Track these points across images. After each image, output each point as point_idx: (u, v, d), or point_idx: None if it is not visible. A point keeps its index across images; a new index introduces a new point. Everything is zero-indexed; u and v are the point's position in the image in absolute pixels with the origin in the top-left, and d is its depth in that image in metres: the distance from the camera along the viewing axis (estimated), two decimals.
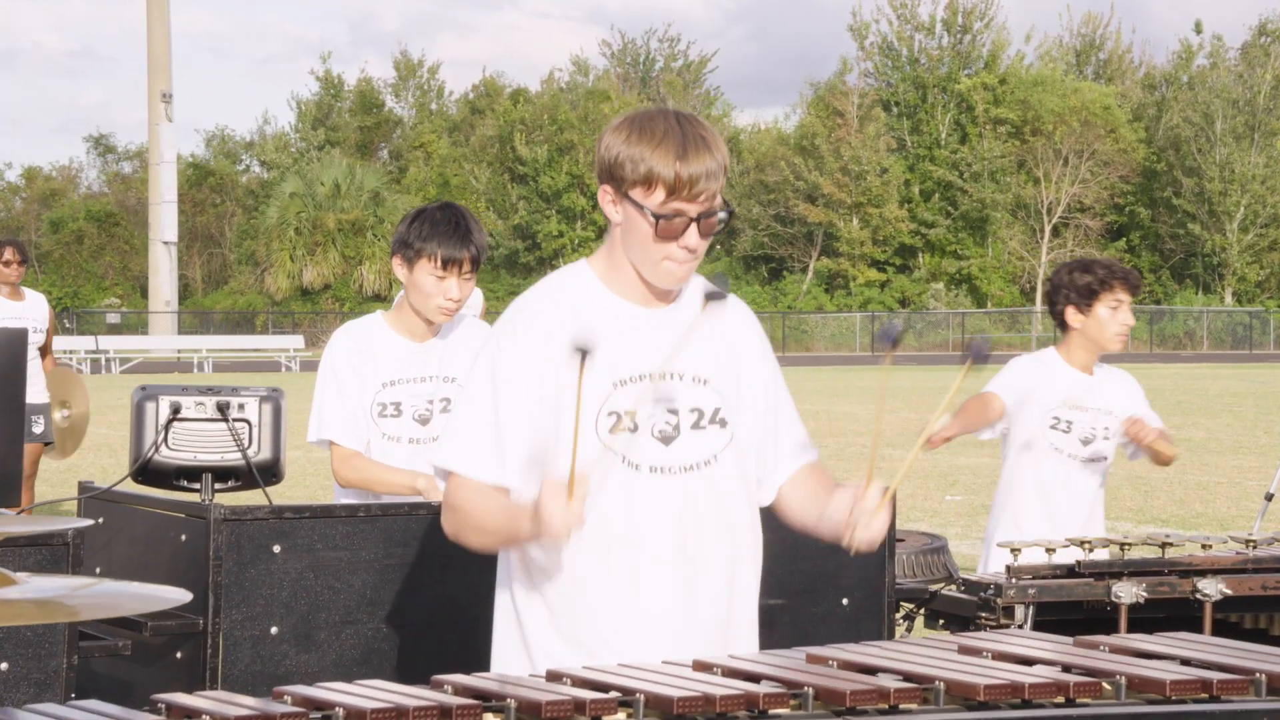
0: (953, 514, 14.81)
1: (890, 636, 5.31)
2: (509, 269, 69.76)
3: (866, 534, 3.44)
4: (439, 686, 3.03)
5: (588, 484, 3.25)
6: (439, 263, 4.96)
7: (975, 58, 72.92)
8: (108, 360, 49.25)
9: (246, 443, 4.89)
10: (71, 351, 48.59)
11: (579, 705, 2.97)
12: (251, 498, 5.05)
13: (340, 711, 2.82)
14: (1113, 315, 6.28)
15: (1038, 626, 5.26)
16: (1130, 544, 5.48)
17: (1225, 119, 69.86)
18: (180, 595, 2.67)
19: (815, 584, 5.24)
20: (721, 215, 3.43)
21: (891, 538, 5.35)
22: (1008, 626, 5.29)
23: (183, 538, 4.62)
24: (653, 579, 3.48)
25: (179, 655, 4.62)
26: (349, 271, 68.00)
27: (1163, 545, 5.51)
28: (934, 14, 72.90)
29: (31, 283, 77.67)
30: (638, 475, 3.46)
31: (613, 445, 3.43)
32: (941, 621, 5.63)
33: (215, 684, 4.47)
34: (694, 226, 3.39)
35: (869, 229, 69.67)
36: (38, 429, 10.97)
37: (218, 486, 4.93)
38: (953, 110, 71.64)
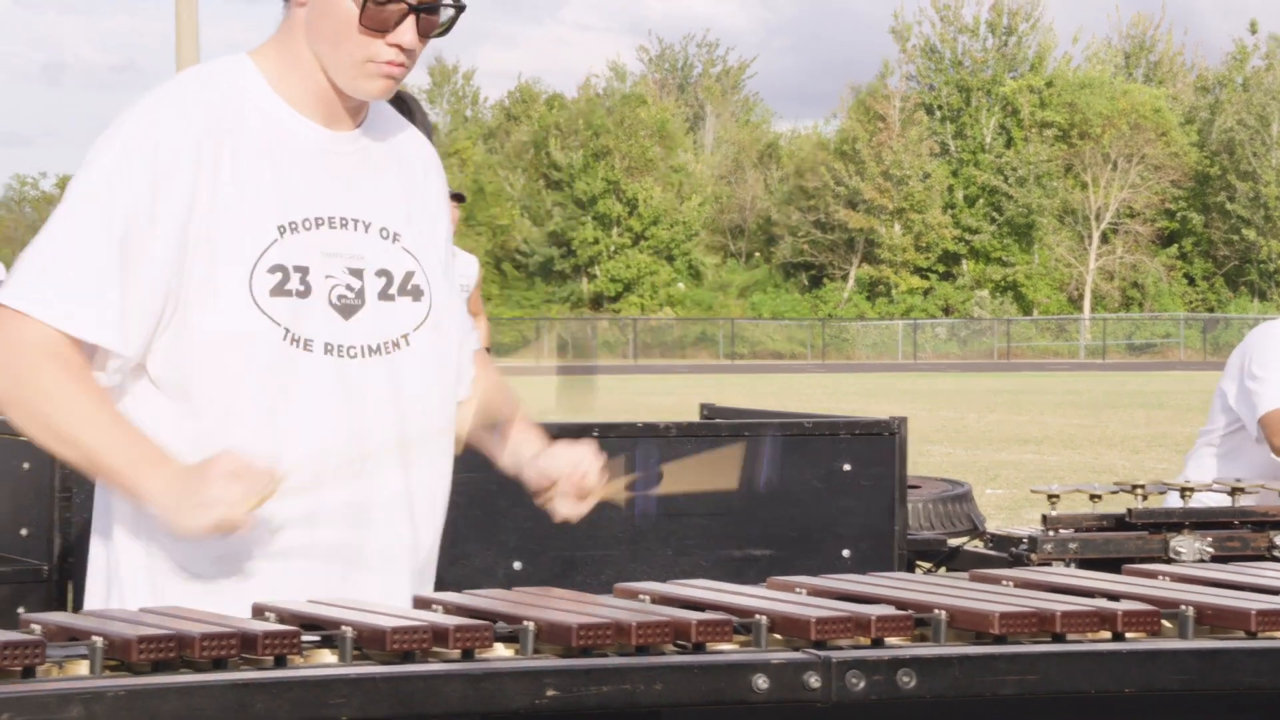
0: (992, 507, 14.04)
1: None
2: (544, 277, 69.12)
3: (567, 509, 2.76)
4: (25, 626, 2.17)
5: (275, 482, 2.43)
6: None
7: (1020, 60, 72.00)
8: None
9: None
10: None
11: (223, 638, 2.04)
12: None
13: None
14: None
15: None
16: (1193, 489, 4.43)
17: None
18: None
19: (810, 532, 4.44)
20: (448, 11, 2.62)
21: (902, 480, 4.37)
22: None
23: (25, 465, 3.98)
24: (316, 498, 2.59)
25: (20, 611, 3.82)
26: None
27: (1233, 491, 4.46)
28: (978, 15, 72.07)
29: None
30: (310, 358, 2.56)
31: (273, 313, 2.54)
32: None
33: None
34: (412, 19, 2.57)
35: (911, 235, 68.77)
36: None
37: None
38: (997, 113, 70.68)
